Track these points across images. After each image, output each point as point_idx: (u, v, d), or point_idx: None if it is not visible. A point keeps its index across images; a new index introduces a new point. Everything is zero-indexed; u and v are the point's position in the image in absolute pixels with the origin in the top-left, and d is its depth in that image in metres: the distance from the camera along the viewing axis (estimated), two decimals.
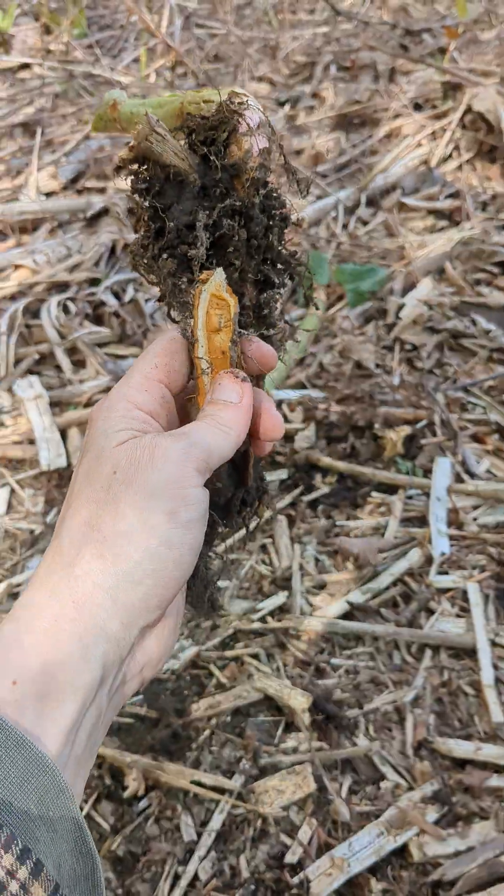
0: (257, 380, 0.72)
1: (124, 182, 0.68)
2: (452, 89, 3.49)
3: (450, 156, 3.28)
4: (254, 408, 0.66)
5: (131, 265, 0.71)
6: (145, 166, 0.66)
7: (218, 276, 0.65)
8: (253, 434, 0.68)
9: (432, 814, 1.44)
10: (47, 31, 4.97)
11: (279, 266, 0.72)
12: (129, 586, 0.55)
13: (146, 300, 2.78)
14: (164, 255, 0.68)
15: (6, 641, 0.53)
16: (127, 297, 2.86)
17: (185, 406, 0.71)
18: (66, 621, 0.54)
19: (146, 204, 0.67)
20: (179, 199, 0.66)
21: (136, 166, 0.67)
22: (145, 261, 0.70)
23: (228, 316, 0.64)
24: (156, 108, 0.70)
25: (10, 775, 0.47)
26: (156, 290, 0.72)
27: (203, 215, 0.65)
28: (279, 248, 0.70)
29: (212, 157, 0.65)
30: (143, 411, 0.63)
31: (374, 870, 1.40)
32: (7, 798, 0.46)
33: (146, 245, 0.69)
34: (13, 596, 1.95)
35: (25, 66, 4.79)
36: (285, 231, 0.71)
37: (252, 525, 0.78)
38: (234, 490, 0.71)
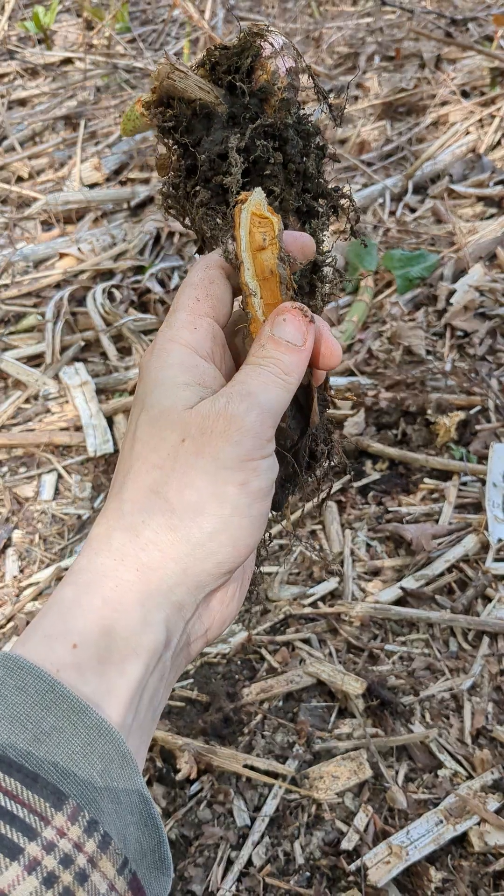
0: (311, 298, 0.66)
1: (152, 124, 0.65)
2: (501, 76, 3.43)
3: (498, 142, 3.22)
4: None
5: (162, 209, 0.68)
6: (170, 106, 0.64)
7: (257, 194, 0.60)
8: (311, 363, 0.61)
9: (493, 803, 1.40)
10: (89, 26, 4.98)
11: (321, 199, 0.68)
12: (202, 556, 0.53)
13: None
14: (198, 188, 0.64)
15: (66, 605, 0.51)
16: (172, 285, 2.84)
17: (231, 336, 0.65)
18: (130, 587, 0.52)
19: (175, 143, 0.65)
20: (209, 131, 0.63)
21: (161, 108, 0.64)
22: (178, 203, 0.67)
23: (273, 233, 0.59)
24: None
25: (72, 744, 0.45)
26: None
27: (235, 139, 0.62)
28: (318, 177, 0.67)
29: (238, 84, 0.62)
30: (199, 355, 0.58)
31: (433, 859, 1.36)
32: (71, 768, 0.44)
33: (177, 185, 0.66)
34: (61, 580, 1.94)
35: (67, 61, 4.81)
36: (323, 160, 0.68)
37: (328, 487, 0.73)
38: (299, 434, 0.65)
